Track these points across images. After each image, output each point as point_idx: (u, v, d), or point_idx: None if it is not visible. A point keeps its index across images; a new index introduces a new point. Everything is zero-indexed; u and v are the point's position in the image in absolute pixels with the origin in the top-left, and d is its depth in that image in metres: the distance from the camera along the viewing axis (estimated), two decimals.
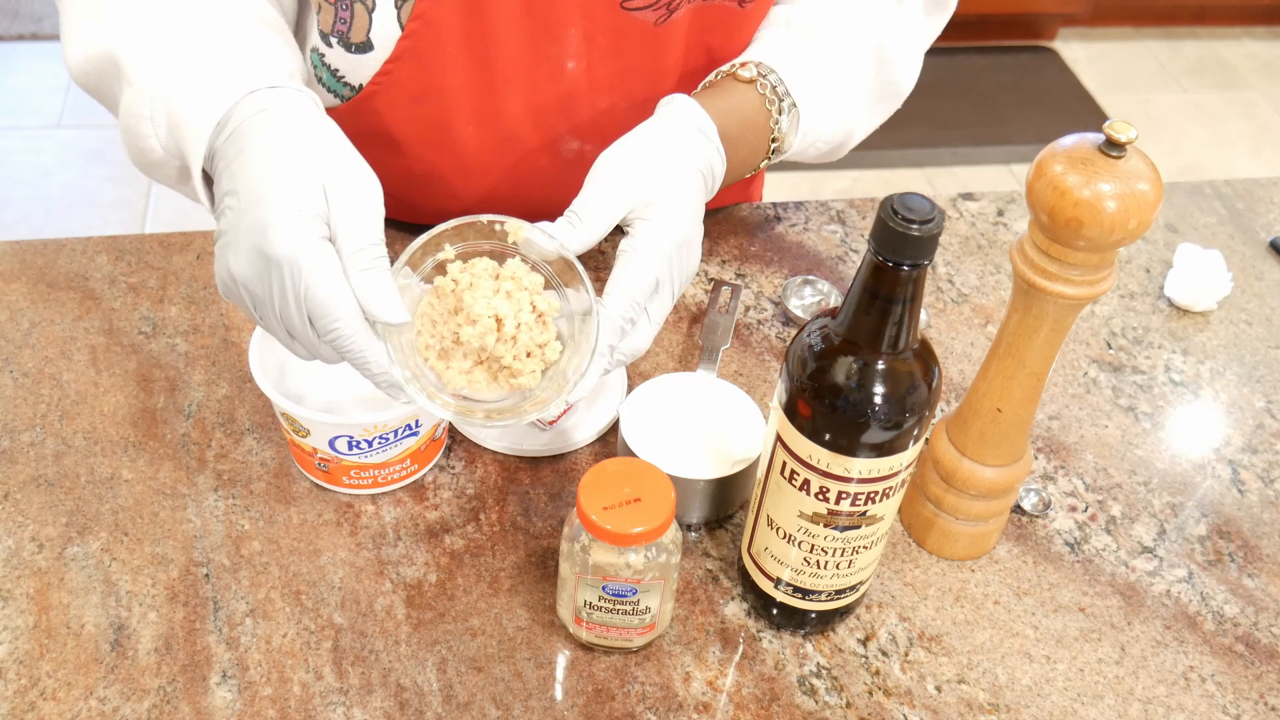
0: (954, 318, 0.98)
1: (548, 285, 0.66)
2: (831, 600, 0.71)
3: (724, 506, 0.79)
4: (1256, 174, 2.79)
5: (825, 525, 0.66)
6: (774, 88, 0.83)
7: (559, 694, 0.70)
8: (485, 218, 0.65)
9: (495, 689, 0.70)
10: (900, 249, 0.57)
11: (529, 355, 0.65)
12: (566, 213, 0.69)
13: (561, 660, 0.71)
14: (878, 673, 0.73)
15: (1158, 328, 0.99)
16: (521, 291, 0.64)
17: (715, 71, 0.85)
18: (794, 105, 0.84)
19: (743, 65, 0.83)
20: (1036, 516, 0.83)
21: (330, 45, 0.85)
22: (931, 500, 0.77)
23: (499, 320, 0.63)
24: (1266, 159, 2.87)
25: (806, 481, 0.64)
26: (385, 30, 0.83)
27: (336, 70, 0.87)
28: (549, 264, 0.66)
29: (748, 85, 0.83)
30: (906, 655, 0.74)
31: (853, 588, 0.71)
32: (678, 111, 0.76)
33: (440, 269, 0.65)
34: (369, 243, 0.61)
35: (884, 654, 0.74)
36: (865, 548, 0.68)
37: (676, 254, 0.70)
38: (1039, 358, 0.69)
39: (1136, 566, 0.80)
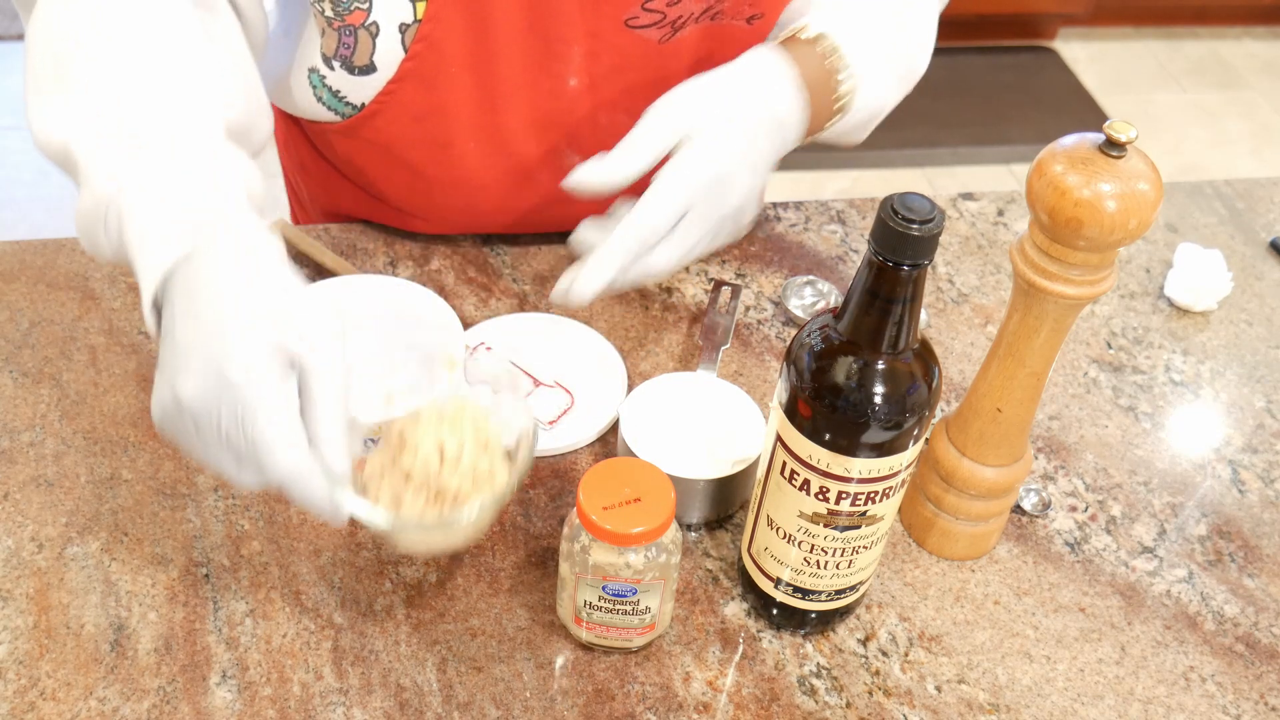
0: (954, 318, 0.98)
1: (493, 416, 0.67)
2: (831, 600, 0.71)
3: (724, 506, 0.79)
4: (1256, 174, 2.79)
5: (825, 525, 0.66)
6: (835, 51, 0.81)
7: (559, 694, 0.70)
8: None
9: (495, 689, 0.70)
10: (900, 249, 0.57)
11: (477, 484, 0.64)
12: (619, 143, 0.72)
13: (561, 660, 0.71)
14: (878, 673, 0.73)
15: (1158, 328, 0.99)
16: (464, 421, 0.65)
17: (774, 33, 0.83)
18: (851, 73, 0.82)
19: (802, 29, 0.81)
20: (1036, 516, 0.83)
21: (332, 69, 0.85)
22: (931, 500, 0.77)
23: (441, 448, 0.64)
24: (1266, 159, 2.86)
25: (806, 481, 0.64)
26: (389, 52, 0.83)
27: (338, 91, 0.87)
28: (490, 384, 0.67)
29: (808, 46, 0.80)
30: (906, 655, 0.74)
31: (853, 588, 0.71)
32: (757, 58, 0.76)
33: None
34: (336, 402, 0.58)
35: (884, 654, 0.74)
36: (865, 548, 0.68)
37: (712, 187, 0.71)
38: (1039, 358, 0.69)
39: (1136, 566, 0.80)
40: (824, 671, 0.72)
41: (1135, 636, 0.76)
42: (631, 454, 0.77)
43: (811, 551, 0.68)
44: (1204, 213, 1.12)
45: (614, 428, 0.85)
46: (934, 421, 0.82)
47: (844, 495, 0.64)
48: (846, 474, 0.63)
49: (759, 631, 0.74)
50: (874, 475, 0.63)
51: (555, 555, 0.76)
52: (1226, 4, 3.28)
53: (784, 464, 0.65)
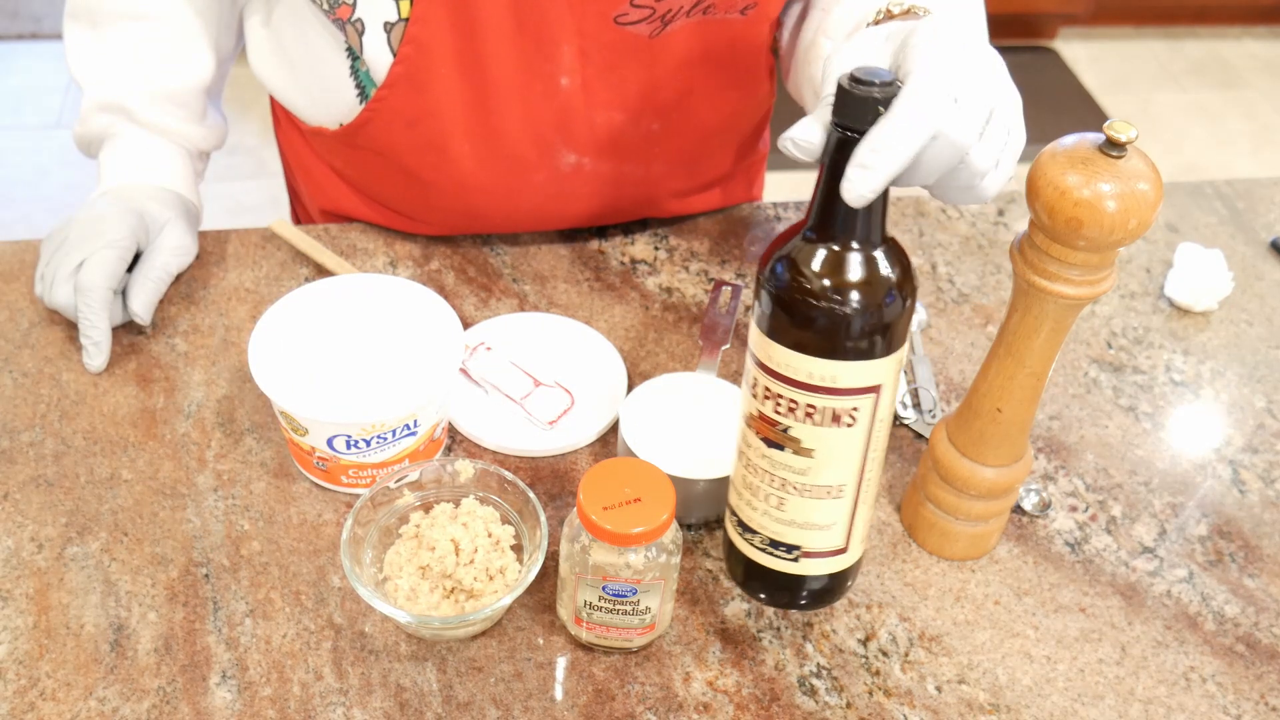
0: (954, 318, 0.98)
1: (505, 520, 0.73)
2: (768, 553, 0.70)
3: (724, 506, 0.79)
4: (1256, 174, 2.79)
5: (756, 433, 0.66)
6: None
7: (559, 694, 0.70)
8: (437, 460, 0.74)
9: (495, 689, 0.70)
10: (862, 115, 0.56)
11: (491, 579, 0.70)
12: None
13: (561, 660, 0.71)
14: (878, 673, 0.73)
15: (1158, 328, 0.99)
16: (476, 520, 0.71)
17: (877, 11, 0.72)
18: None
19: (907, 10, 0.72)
20: (1037, 516, 0.83)
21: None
22: (931, 500, 0.77)
23: (456, 544, 0.70)
24: (1266, 159, 2.86)
25: (755, 381, 0.65)
26: (377, 58, 0.83)
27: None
28: (503, 499, 0.74)
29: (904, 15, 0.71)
30: (907, 655, 0.74)
31: (788, 548, 0.70)
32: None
33: (403, 518, 0.73)
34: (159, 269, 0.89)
35: (884, 654, 0.74)
36: (793, 487, 0.67)
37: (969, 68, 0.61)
38: (1039, 358, 0.69)
39: (1137, 567, 0.80)
40: (824, 672, 0.72)
41: (1136, 637, 0.76)
42: (631, 454, 0.77)
43: (747, 468, 0.68)
44: (1204, 213, 1.12)
45: (614, 428, 0.85)
46: (930, 414, 0.82)
47: (770, 395, 0.63)
48: (783, 372, 0.62)
49: (759, 632, 0.74)
50: (807, 381, 0.62)
51: (555, 555, 0.76)
52: (1226, 4, 3.28)
53: (749, 373, 0.65)
